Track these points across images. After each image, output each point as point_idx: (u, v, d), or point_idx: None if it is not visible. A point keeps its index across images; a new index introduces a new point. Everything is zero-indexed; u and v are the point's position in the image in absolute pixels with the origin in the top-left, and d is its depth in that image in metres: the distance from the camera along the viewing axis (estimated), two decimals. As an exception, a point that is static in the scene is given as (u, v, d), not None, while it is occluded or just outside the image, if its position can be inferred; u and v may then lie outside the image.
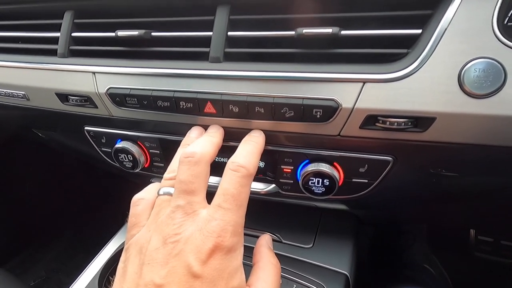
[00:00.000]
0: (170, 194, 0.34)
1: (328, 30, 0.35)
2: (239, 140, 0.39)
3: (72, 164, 1.32)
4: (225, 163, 0.34)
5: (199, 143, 0.36)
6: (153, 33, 0.42)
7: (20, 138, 1.07)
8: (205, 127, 0.43)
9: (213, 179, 0.34)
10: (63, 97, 0.50)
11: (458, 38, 0.32)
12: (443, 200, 0.54)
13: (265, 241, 0.38)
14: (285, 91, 0.38)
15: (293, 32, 0.37)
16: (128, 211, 0.66)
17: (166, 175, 0.36)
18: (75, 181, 1.37)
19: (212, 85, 0.40)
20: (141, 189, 0.38)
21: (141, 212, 0.35)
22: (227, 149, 0.41)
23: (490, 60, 0.31)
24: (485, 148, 0.36)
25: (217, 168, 0.39)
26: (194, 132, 0.43)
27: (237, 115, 0.40)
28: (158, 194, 0.35)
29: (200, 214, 0.31)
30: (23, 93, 0.53)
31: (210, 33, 0.40)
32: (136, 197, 0.37)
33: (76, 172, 1.36)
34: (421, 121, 0.35)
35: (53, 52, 0.48)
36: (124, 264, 0.32)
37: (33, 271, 1.22)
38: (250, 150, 0.36)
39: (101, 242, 0.62)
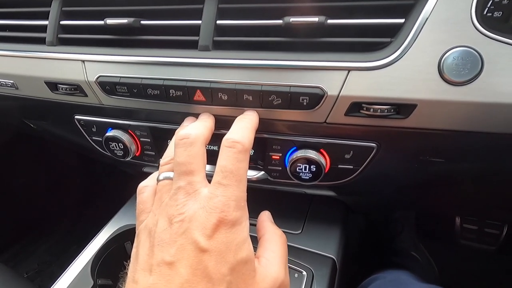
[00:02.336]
0: (169, 178, 0.35)
1: (315, 19, 0.36)
2: (229, 128, 0.40)
3: (66, 159, 1.31)
4: (218, 151, 0.34)
5: (192, 126, 0.37)
6: (142, 21, 0.43)
7: (13, 132, 1.06)
8: (196, 116, 0.44)
9: (208, 167, 0.35)
10: (53, 85, 0.50)
11: (439, 28, 0.34)
12: (428, 186, 0.56)
13: (266, 216, 0.40)
14: (273, 79, 0.39)
15: (280, 21, 0.37)
16: (120, 207, 0.67)
17: (162, 161, 0.37)
18: (68, 176, 1.37)
19: (201, 73, 0.41)
20: (135, 181, 0.39)
21: (146, 198, 0.36)
22: (219, 137, 0.41)
23: (468, 49, 0.33)
24: (466, 134, 0.38)
25: (211, 157, 0.40)
26: (187, 122, 0.44)
27: (226, 102, 0.41)
28: (158, 180, 0.36)
29: (201, 193, 0.31)
30: (12, 81, 0.52)
31: (199, 21, 0.41)
32: (141, 185, 0.38)
33: (69, 167, 1.36)
34: (403, 108, 0.37)
35: (41, 41, 0.48)
36: (136, 249, 0.33)
37: (26, 264, 1.22)
38: (244, 125, 0.37)
39: (94, 235, 0.63)
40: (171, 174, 0.35)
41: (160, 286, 0.28)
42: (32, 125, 0.71)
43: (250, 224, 0.33)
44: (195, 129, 0.35)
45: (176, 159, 0.33)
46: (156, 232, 0.31)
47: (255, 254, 0.33)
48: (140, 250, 0.32)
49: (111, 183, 1.41)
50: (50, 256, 1.26)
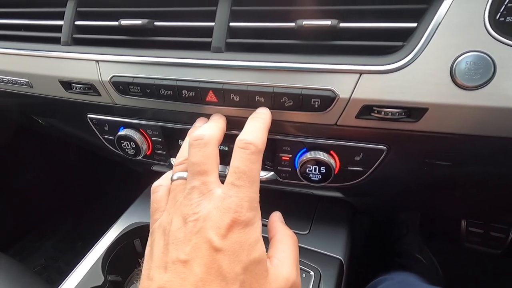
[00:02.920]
0: (183, 178, 0.35)
1: (327, 22, 0.36)
2: (240, 129, 0.41)
3: (71, 156, 1.33)
4: (230, 151, 0.35)
5: (206, 127, 0.38)
6: (156, 23, 0.43)
7: (23, 128, 1.08)
8: (208, 117, 0.44)
9: (220, 168, 0.36)
10: (67, 84, 0.50)
11: (451, 32, 0.34)
12: (436, 189, 0.56)
13: (277, 217, 0.40)
14: (285, 81, 0.39)
15: (293, 24, 0.38)
16: (124, 205, 0.68)
17: (176, 161, 0.38)
18: (73, 173, 1.38)
19: (214, 74, 0.41)
20: (141, 179, 0.39)
21: (160, 198, 0.36)
22: (230, 138, 0.42)
23: (480, 54, 0.33)
24: (476, 138, 0.38)
25: (222, 157, 0.40)
26: (199, 122, 0.44)
27: (238, 104, 0.42)
28: (172, 180, 0.36)
29: (215, 193, 0.32)
30: (27, 80, 0.53)
31: (212, 23, 0.41)
32: (155, 184, 0.38)
33: (74, 164, 1.37)
34: (414, 112, 0.37)
35: (56, 40, 0.49)
36: (150, 247, 0.33)
37: (33, 259, 1.24)
38: (257, 126, 0.37)
39: (99, 232, 0.63)
40: (184, 174, 0.35)
41: (175, 284, 0.28)
42: (40, 121, 0.72)
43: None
44: (208, 130, 0.36)
45: (191, 159, 0.34)
46: (170, 230, 0.31)
47: (266, 254, 0.34)
48: (154, 248, 0.32)
49: (115, 180, 1.42)
50: (56, 252, 1.28)
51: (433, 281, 0.68)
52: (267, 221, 0.39)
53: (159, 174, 0.41)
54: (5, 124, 1.06)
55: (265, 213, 0.43)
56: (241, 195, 0.31)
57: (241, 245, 0.30)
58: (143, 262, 0.34)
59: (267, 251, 0.35)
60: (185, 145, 0.39)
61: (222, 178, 0.34)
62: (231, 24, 0.41)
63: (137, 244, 0.62)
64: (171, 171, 0.39)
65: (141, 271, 0.34)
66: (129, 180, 1.01)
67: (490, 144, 0.38)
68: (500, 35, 0.33)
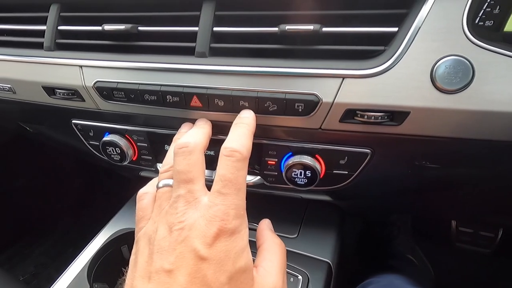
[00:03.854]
0: (168, 186, 0.35)
1: (310, 27, 0.37)
2: (226, 133, 0.40)
3: (62, 161, 1.31)
4: (216, 156, 0.35)
5: (190, 134, 0.37)
6: (140, 28, 0.43)
7: (10, 135, 1.06)
8: (193, 121, 0.44)
9: (206, 173, 0.35)
10: (50, 90, 0.50)
11: (431, 36, 0.34)
12: (423, 191, 0.56)
13: (265, 224, 0.40)
14: (269, 85, 0.39)
15: (276, 29, 0.38)
16: (116, 210, 0.67)
17: (161, 168, 0.37)
18: (64, 178, 1.36)
19: (198, 79, 0.41)
20: (131, 185, 0.39)
21: (146, 205, 0.36)
22: (216, 143, 0.42)
23: (459, 58, 0.33)
24: (458, 141, 0.38)
25: (209, 162, 0.40)
26: (184, 128, 0.44)
27: (222, 108, 0.42)
28: (158, 187, 0.36)
29: (201, 201, 0.32)
30: (9, 86, 0.53)
31: (196, 28, 0.41)
32: (141, 191, 0.38)
33: (65, 170, 1.35)
34: (396, 115, 0.37)
35: (39, 45, 0.48)
36: (135, 255, 0.33)
37: (22, 267, 1.22)
38: (241, 133, 0.37)
39: (90, 238, 0.63)
40: (170, 181, 0.35)
41: None
42: (28, 128, 0.71)
43: (249, 229, 0.33)
44: (193, 137, 0.35)
45: (176, 167, 0.34)
46: (155, 239, 0.31)
47: (253, 262, 0.33)
48: (139, 257, 0.32)
49: (107, 186, 1.41)
50: (47, 259, 1.26)
51: (424, 281, 0.69)
52: (256, 225, 0.39)
53: (147, 180, 0.40)
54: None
55: (254, 218, 0.43)
56: (227, 202, 0.31)
57: (227, 254, 0.29)
58: (127, 271, 0.34)
59: (255, 258, 0.34)
60: (170, 152, 0.39)
61: (209, 183, 0.33)
62: (215, 29, 0.41)
63: (125, 251, 0.61)
64: (157, 178, 0.38)
65: (125, 280, 0.34)
66: (119, 186, 1.00)
67: (473, 146, 0.39)
68: (478, 40, 0.33)
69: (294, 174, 0.44)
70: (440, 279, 1.00)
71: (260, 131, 0.44)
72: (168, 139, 0.50)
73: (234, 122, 0.39)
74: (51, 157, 1.26)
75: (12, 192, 1.21)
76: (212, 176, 0.33)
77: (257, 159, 0.48)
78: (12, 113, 0.65)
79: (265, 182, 0.50)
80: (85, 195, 1.41)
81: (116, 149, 0.51)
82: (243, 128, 0.37)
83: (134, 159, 0.53)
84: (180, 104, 0.43)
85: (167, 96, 0.43)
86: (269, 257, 0.35)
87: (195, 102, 0.42)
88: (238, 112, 0.41)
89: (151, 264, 0.30)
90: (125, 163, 0.52)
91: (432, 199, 0.62)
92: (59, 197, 1.35)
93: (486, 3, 0.33)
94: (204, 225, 0.30)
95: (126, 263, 0.61)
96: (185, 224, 0.30)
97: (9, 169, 1.18)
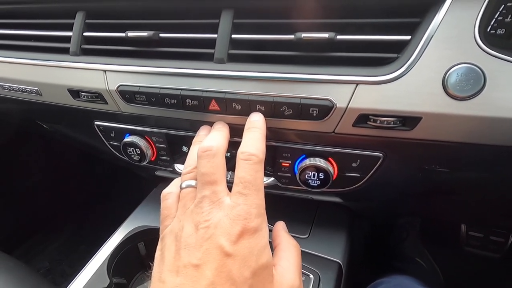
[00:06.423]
0: (191, 186, 0.37)
1: (325, 35, 0.38)
2: (241, 136, 0.42)
3: (74, 159, 1.34)
4: (232, 157, 0.36)
5: (212, 137, 0.39)
6: (161, 34, 0.45)
7: (27, 132, 1.10)
8: (211, 124, 0.46)
9: None
10: (75, 93, 0.52)
11: (443, 45, 0.35)
12: (433, 194, 0.57)
13: (281, 226, 0.42)
14: (285, 91, 0.41)
15: (292, 36, 0.39)
16: (127, 208, 0.69)
17: (184, 170, 0.39)
18: (78, 176, 1.40)
19: (217, 84, 0.43)
20: (142, 183, 0.40)
21: (170, 205, 0.38)
22: (233, 145, 0.44)
23: (471, 66, 0.34)
24: (469, 146, 0.39)
25: (226, 163, 0.42)
26: (203, 130, 0.46)
27: (239, 112, 0.43)
28: (181, 188, 0.38)
29: (224, 202, 0.34)
30: (36, 89, 0.55)
31: (215, 35, 0.43)
32: (165, 191, 0.40)
33: (77, 168, 1.39)
34: (408, 121, 0.38)
35: (65, 51, 0.51)
36: (161, 251, 0.35)
37: (36, 261, 1.26)
38: (255, 137, 0.39)
39: (102, 236, 0.65)
40: (193, 183, 0.37)
41: (187, 287, 0.30)
42: (44, 126, 0.74)
43: None
44: (215, 141, 0.38)
45: (200, 169, 0.35)
46: (182, 236, 0.33)
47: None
48: (166, 253, 0.34)
49: (117, 184, 1.44)
50: (60, 255, 1.29)
51: (433, 284, 0.69)
52: (271, 227, 0.41)
53: (162, 179, 0.42)
54: (8, 127, 1.08)
55: (268, 218, 0.45)
56: (249, 202, 0.33)
57: (251, 251, 0.31)
58: (152, 265, 0.35)
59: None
60: (192, 154, 0.41)
61: (229, 184, 0.35)
62: (233, 36, 0.43)
63: (141, 248, 0.63)
64: (179, 178, 0.40)
65: (145, 275, 0.36)
66: (132, 184, 1.02)
67: (484, 151, 0.40)
68: (489, 48, 0.34)
69: (308, 176, 0.46)
70: (448, 282, 1.00)
71: (275, 134, 0.45)
72: (186, 141, 0.52)
73: (246, 126, 0.41)
74: (62, 156, 1.29)
75: (25, 189, 1.25)
76: (228, 177, 0.35)
77: (270, 161, 0.50)
78: (35, 113, 0.68)
79: (278, 183, 0.51)
80: (95, 192, 1.45)
81: (136, 149, 0.53)
82: (256, 132, 0.39)
83: (152, 159, 0.55)
84: (199, 108, 0.45)
85: (187, 100, 0.44)
86: (286, 257, 0.37)
87: (214, 106, 0.44)
88: (255, 116, 0.43)
89: (178, 259, 0.32)
90: (144, 163, 0.55)
91: (441, 202, 0.63)
92: (71, 195, 1.38)
93: (498, 12, 0.34)
94: (228, 224, 0.32)
95: (142, 259, 0.63)
96: (211, 222, 0.32)
97: (24, 165, 1.21)
